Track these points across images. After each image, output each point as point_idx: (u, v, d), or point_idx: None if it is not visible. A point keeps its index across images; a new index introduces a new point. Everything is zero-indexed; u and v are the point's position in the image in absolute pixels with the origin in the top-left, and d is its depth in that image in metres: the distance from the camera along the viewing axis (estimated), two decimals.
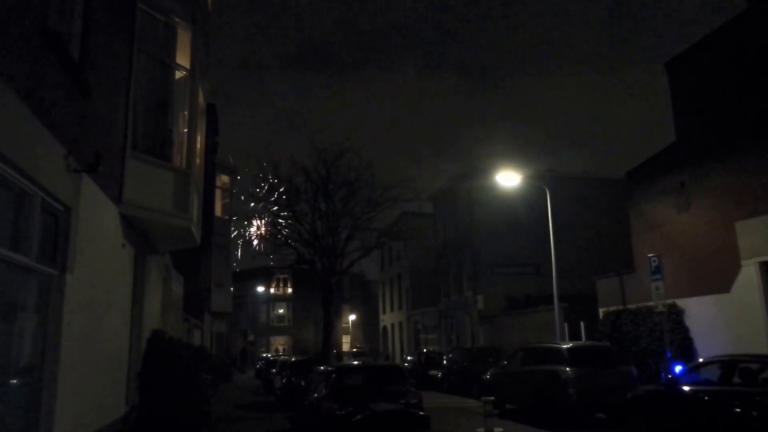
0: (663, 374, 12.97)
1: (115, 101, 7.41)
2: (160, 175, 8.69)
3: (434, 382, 22.89)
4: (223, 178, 28.40)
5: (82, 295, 5.92)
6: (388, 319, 48.42)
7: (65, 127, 5.32)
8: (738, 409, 7.94)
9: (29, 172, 4.52)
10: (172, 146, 9.22)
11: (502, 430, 11.43)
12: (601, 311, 19.18)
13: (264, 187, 26.49)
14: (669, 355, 13.79)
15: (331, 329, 28.00)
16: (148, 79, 8.80)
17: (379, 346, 50.83)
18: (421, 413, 9.38)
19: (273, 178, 26.05)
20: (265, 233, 27.09)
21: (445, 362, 24.13)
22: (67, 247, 5.53)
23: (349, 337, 61.91)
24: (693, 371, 9.76)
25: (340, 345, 56.33)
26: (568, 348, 13.08)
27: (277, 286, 62.39)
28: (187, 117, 9.63)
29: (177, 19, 9.19)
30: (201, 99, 10.67)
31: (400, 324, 44.83)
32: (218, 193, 27.02)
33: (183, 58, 9.48)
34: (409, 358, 33.51)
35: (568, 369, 12.14)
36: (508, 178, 20.71)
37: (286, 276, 60.29)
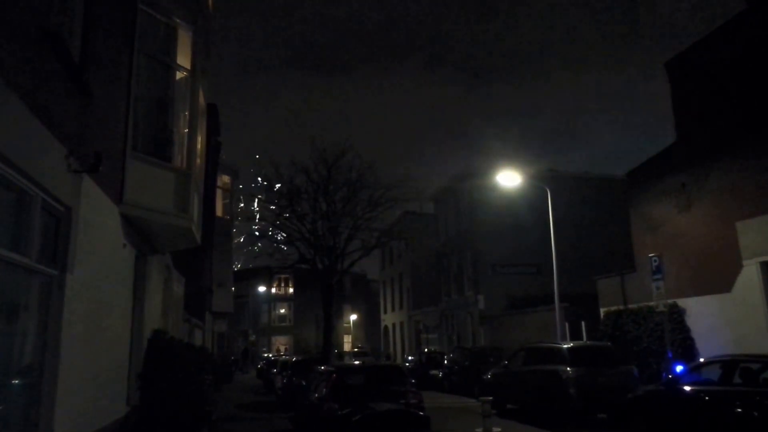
0: (664, 374, 12.96)
1: (116, 101, 7.42)
2: (160, 175, 8.70)
3: (435, 382, 22.89)
4: (224, 178, 28.43)
5: (83, 295, 5.92)
6: (389, 318, 48.42)
7: (66, 127, 5.33)
8: (739, 410, 7.93)
9: (30, 173, 4.52)
10: (172, 146, 9.22)
11: (500, 429, 11.43)
12: (602, 311, 19.17)
13: (265, 185, 26.58)
14: (670, 355, 13.78)
15: (332, 329, 28.02)
16: (149, 79, 8.80)
17: (381, 346, 50.84)
18: (421, 413, 9.39)
19: (274, 178, 26.11)
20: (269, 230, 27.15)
21: (446, 362, 24.13)
22: (68, 247, 5.53)
23: (350, 336, 61.90)
24: (694, 371, 9.75)
25: (341, 345, 56.34)
26: (568, 348, 13.07)
27: (278, 286, 62.42)
28: (187, 117, 9.64)
29: (177, 20, 9.19)
30: (201, 99, 10.69)
31: (401, 324, 44.83)
32: (219, 193, 27.04)
33: (183, 59, 9.49)
34: (410, 357, 33.51)
35: (568, 369, 12.13)
36: (509, 178, 20.70)
37: (288, 276, 60.29)
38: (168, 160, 9.03)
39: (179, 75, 9.46)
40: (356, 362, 24.76)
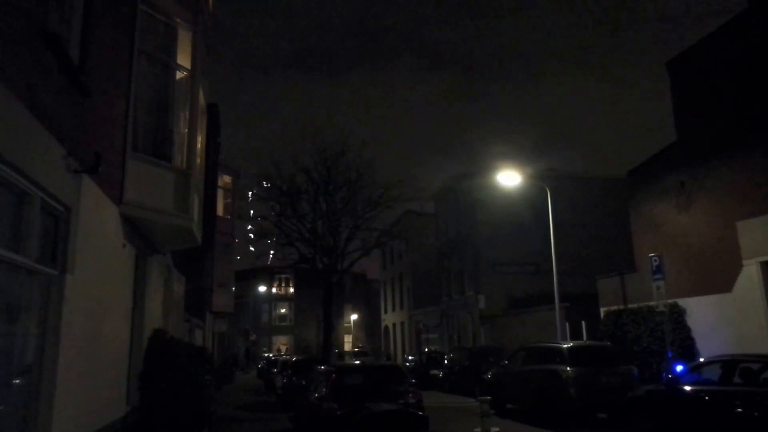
0: (664, 374, 12.95)
1: (116, 102, 7.42)
2: (160, 175, 8.70)
3: (435, 382, 22.91)
4: (225, 178, 28.44)
5: (83, 295, 5.92)
6: (389, 318, 48.43)
7: (65, 127, 5.33)
8: (739, 409, 7.93)
9: (29, 173, 4.52)
10: (172, 146, 9.22)
11: (498, 429, 11.43)
12: (603, 311, 19.16)
13: (265, 184, 26.58)
14: (670, 354, 13.78)
15: (332, 329, 28.04)
16: (149, 79, 8.80)
17: (381, 346, 50.85)
18: (420, 413, 9.39)
19: (275, 177, 26.11)
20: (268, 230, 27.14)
21: (446, 362, 24.15)
22: (67, 247, 5.53)
23: (350, 336, 61.94)
24: (694, 371, 9.75)
25: (341, 345, 56.36)
26: (569, 347, 13.07)
27: (278, 286, 62.47)
28: (187, 117, 9.63)
29: (178, 20, 9.19)
30: (202, 99, 10.69)
31: (402, 323, 44.84)
32: (220, 193, 27.05)
33: (184, 59, 9.48)
34: (410, 357, 33.54)
35: (569, 368, 12.13)
36: (509, 178, 20.71)
37: (288, 276, 60.37)
38: (168, 159, 9.03)
39: (179, 75, 9.45)
40: (356, 362, 24.76)
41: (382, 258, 48.32)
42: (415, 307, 41.18)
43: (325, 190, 26.05)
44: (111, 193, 7.18)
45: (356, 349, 49.73)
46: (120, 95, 7.61)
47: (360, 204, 26.47)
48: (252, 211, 28.02)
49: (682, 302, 15.77)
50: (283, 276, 60.95)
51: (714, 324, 14.73)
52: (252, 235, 27.94)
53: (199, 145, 10.18)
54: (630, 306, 17.67)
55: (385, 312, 49.69)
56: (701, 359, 12.03)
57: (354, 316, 62.08)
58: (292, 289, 61.71)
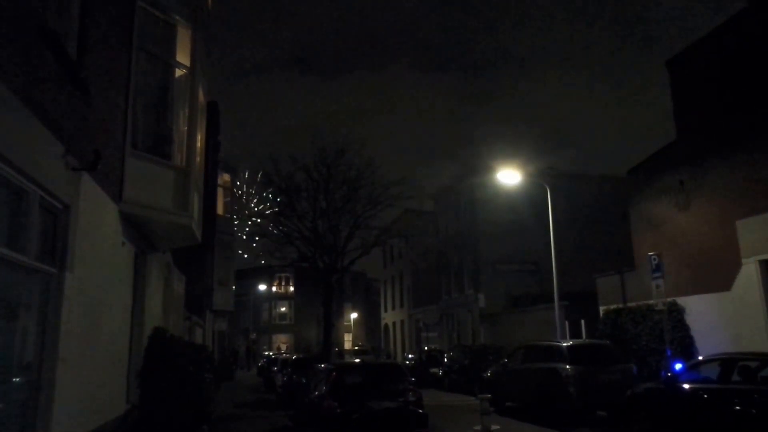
0: (663, 372, 12.97)
1: (115, 99, 7.42)
2: (160, 173, 8.70)
3: (435, 380, 22.91)
4: (225, 177, 28.44)
5: (82, 293, 5.92)
6: (389, 317, 48.46)
7: (63, 125, 5.33)
8: (737, 407, 7.94)
9: (27, 171, 4.52)
10: (172, 144, 9.22)
11: (498, 427, 11.44)
12: (602, 309, 19.17)
13: (265, 182, 26.61)
14: (669, 353, 13.79)
15: (332, 327, 28.07)
16: (148, 77, 8.80)
17: (381, 344, 50.88)
18: (420, 411, 9.41)
19: (274, 175, 26.13)
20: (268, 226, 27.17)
21: (446, 360, 24.15)
22: (67, 245, 5.53)
23: (350, 335, 61.98)
24: (692, 369, 9.76)
25: (341, 343, 56.38)
26: (568, 346, 13.08)
27: (279, 285, 62.51)
28: (187, 115, 9.63)
29: (177, 17, 9.18)
30: (201, 97, 10.68)
31: (402, 322, 44.87)
32: (220, 191, 27.06)
33: (183, 56, 9.48)
34: (410, 356, 33.55)
35: (568, 367, 12.15)
36: (509, 177, 20.71)
37: (288, 274, 60.39)
38: (167, 158, 9.03)
39: (179, 72, 9.45)
40: (356, 360, 24.79)
41: (382, 257, 48.33)
42: (414, 305, 41.20)
43: (325, 188, 26.06)
44: (110, 190, 7.18)
45: (356, 348, 49.75)
46: (119, 93, 7.61)
47: (360, 202, 26.49)
48: (253, 207, 28.03)
49: (681, 301, 15.78)
50: (283, 275, 60.96)
51: (713, 322, 14.75)
52: (249, 236, 27.96)
53: (198, 144, 10.17)
54: (629, 304, 17.68)
55: (385, 310, 49.72)
56: (700, 357, 12.02)
57: (354, 315, 62.10)
58: (292, 288, 61.74)
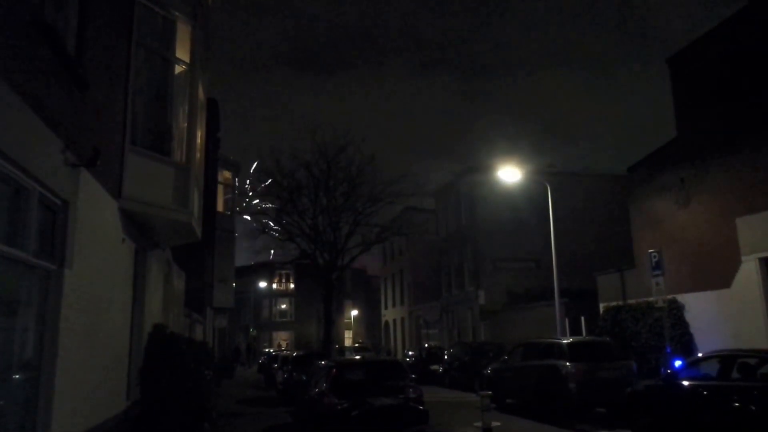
0: (663, 369, 12.99)
1: (114, 95, 7.40)
2: (159, 169, 8.68)
3: (436, 377, 22.93)
4: (225, 174, 28.41)
5: (81, 290, 5.92)
6: (389, 314, 48.51)
7: (62, 121, 5.31)
8: (736, 404, 7.96)
9: (26, 167, 4.51)
10: (171, 141, 9.21)
11: (499, 424, 11.46)
12: (602, 306, 19.19)
13: (266, 178, 26.60)
14: (669, 350, 13.80)
15: (333, 324, 28.09)
16: (148, 72, 8.79)
17: (381, 341, 50.94)
18: (420, 407, 9.42)
19: (275, 171, 26.12)
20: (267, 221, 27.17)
21: (446, 357, 24.17)
22: (66, 242, 5.52)
23: (351, 332, 62.05)
24: (692, 366, 9.78)
25: (342, 340, 56.46)
26: (568, 343, 13.10)
27: (279, 282, 62.59)
28: (186, 111, 9.62)
29: (176, 13, 9.16)
30: (201, 93, 10.66)
31: (402, 319, 44.90)
32: (220, 188, 27.04)
33: (183, 52, 9.46)
34: (410, 353, 33.57)
35: (568, 364, 12.17)
36: (510, 174, 20.69)
37: (289, 271, 60.45)
38: (167, 154, 9.02)
39: (178, 69, 9.43)
40: (356, 357, 24.83)
41: (382, 254, 48.35)
42: (415, 302, 41.22)
43: (326, 185, 26.05)
44: (110, 187, 7.16)
45: (356, 345, 49.83)
46: (118, 88, 7.59)
47: (360, 199, 26.48)
48: (253, 204, 28.04)
49: (681, 298, 15.79)
50: (284, 272, 61.03)
51: (712, 319, 14.76)
52: (249, 233, 27.97)
53: (198, 140, 10.16)
54: (629, 302, 17.70)
55: (386, 307, 49.76)
56: (699, 354, 12.04)
57: (354, 312, 62.16)
58: (292, 285, 61.80)
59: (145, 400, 8.53)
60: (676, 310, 15.69)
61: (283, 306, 62.46)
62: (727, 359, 8.85)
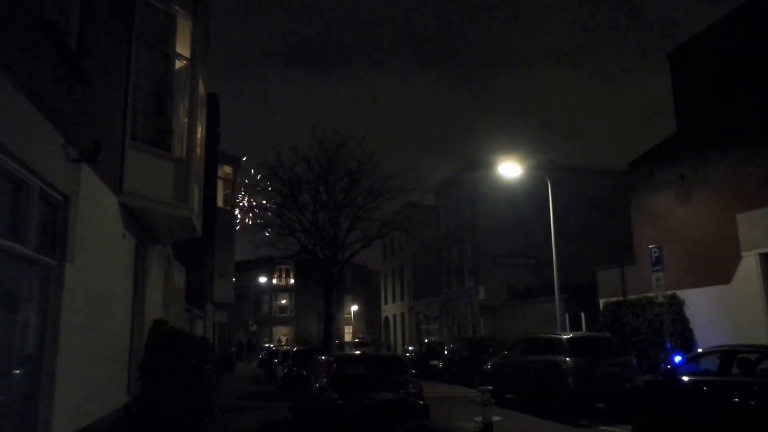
0: (662, 365, 13.01)
1: (115, 90, 7.39)
2: (160, 164, 8.68)
3: (436, 373, 23.00)
4: (225, 169, 28.37)
5: (82, 285, 5.92)
6: (390, 309, 48.57)
7: (63, 116, 5.31)
8: (736, 399, 7.97)
9: (27, 162, 4.51)
10: (172, 136, 9.19)
11: (500, 419, 11.49)
12: (602, 302, 19.20)
13: (267, 173, 26.59)
14: (669, 345, 13.82)
15: (333, 320, 28.13)
16: (148, 68, 8.76)
17: (381, 337, 51.03)
18: (421, 402, 9.44)
19: (277, 165, 26.11)
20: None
21: (446, 352, 24.23)
22: (67, 237, 5.52)
23: (351, 327, 62.14)
24: (692, 362, 9.79)
25: (342, 335, 56.55)
26: (568, 338, 13.12)
27: (279, 277, 62.62)
28: (187, 106, 9.60)
29: (177, 8, 9.14)
30: (201, 89, 10.64)
31: (402, 315, 44.96)
32: (220, 183, 27.01)
33: (183, 48, 9.43)
34: (410, 348, 33.65)
35: (567, 359, 12.19)
36: (510, 170, 20.67)
37: (289, 266, 60.47)
38: (168, 149, 9.01)
39: (179, 64, 9.41)
40: (356, 352, 24.87)
41: (382, 249, 48.37)
42: (415, 298, 41.26)
43: (326, 180, 26.05)
44: (110, 182, 7.16)
45: (357, 340, 49.90)
46: (119, 84, 7.58)
47: (361, 195, 26.49)
48: (253, 201, 28.04)
49: (681, 294, 15.80)
50: (284, 267, 61.05)
51: (712, 315, 14.77)
52: (250, 228, 27.97)
53: (199, 135, 10.15)
54: (629, 297, 17.70)
55: (386, 303, 49.82)
56: (699, 350, 12.06)
57: (354, 307, 62.23)
58: (292, 280, 61.84)
59: (146, 395, 8.55)
60: (676, 306, 15.70)
61: (283, 301, 62.52)
62: (727, 355, 8.85)
